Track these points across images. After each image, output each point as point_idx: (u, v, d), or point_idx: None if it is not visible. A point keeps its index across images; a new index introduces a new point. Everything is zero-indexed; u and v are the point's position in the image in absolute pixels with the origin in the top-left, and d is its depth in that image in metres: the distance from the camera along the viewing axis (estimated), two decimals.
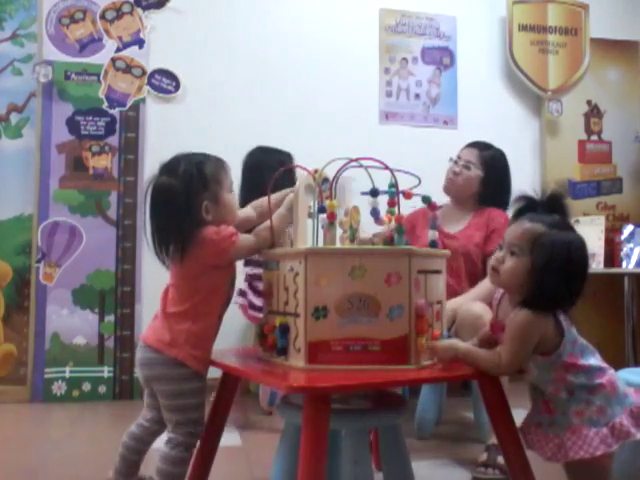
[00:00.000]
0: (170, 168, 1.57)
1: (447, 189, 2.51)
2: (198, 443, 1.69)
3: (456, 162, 2.48)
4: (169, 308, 1.59)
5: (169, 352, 1.55)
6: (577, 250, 1.32)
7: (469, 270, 2.36)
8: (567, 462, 1.34)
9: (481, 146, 2.53)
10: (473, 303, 2.09)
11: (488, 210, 2.44)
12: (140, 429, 1.66)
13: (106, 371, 3.26)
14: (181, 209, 1.52)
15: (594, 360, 1.35)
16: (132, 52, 3.44)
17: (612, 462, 1.40)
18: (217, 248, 1.54)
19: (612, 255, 3.70)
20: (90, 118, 3.37)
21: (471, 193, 2.48)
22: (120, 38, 3.44)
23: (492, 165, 2.47)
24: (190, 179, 1.54)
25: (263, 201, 1.72)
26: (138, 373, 1.64)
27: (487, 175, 2.46)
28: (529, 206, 1.41)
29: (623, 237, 3.70)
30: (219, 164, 1.62)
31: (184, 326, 1.55)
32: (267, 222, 1.62)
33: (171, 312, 1.58)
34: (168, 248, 1.56)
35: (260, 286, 1.63)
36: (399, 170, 1.50)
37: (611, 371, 1.36)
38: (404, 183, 1.56)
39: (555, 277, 1.29)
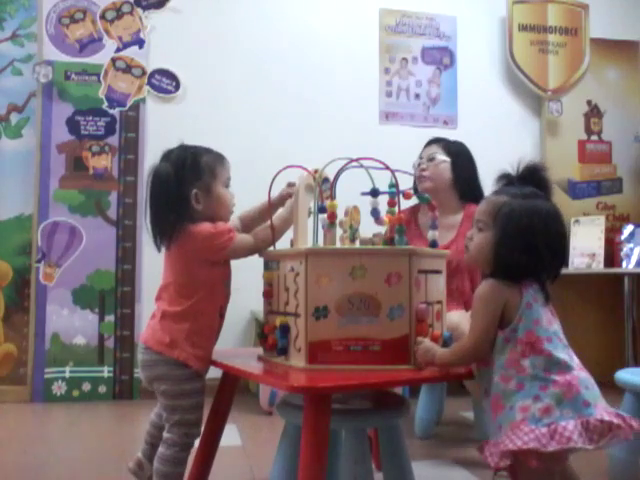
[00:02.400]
0: (166, 155, 1.60)
1: (422, 189, 2.34)
2: (198, 443, 1.69)
3: (420, 164, 2.39)
4: (167, 307, 1.58)
5: (170, 353, 1.55)
6: (541, 217, 1.27)
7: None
8: (512, 466, 1.21)
9: (438, 140, 2.46)
10: (450, 313, 2.05)
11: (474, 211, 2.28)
12: (158, 418, 1.68)
13: (106, 371, 3.26)
14: (171, 193, 1.54)
15: (563, 354, 1.23)
16: (132, 52, 3.44)
17: (566, 465, 1.27)
18: (214, 243, 1.54)
19: (612, 255, 3.70)
20: (90, 118, 3.37)
21: (447, 184, 2.35)
22: (120, 38, 3.44)
23: (456, 151, 2.39)
24: (182, 165, 1.56)
25: (250, 211, 1.72)
26: (140, 374, 1.64)
27: (455, 160, 2.36)
28: (507, 183, 1.38)
29: (623, 237, 3.70)
30: (217, 157, 1.63)
31: (183, 326, 1.55)
32: (267, 222, 1.62)
33: (170, 312, 1.57)
34: (161, 233, 1.57)
35: None
36: (399, 170, 1.50)
37: (577, 373, 1.22)
38: (404, 183, 1.56)
39: (514, 244, 1.26)
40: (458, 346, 1.34)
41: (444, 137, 2.53)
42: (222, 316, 1.64)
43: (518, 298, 1.26)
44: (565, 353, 1.24)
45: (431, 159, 2.36)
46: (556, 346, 1.24)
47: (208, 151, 1.63)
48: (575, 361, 1.25)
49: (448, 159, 2.36)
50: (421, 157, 2.41)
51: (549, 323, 1.26)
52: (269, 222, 1.62)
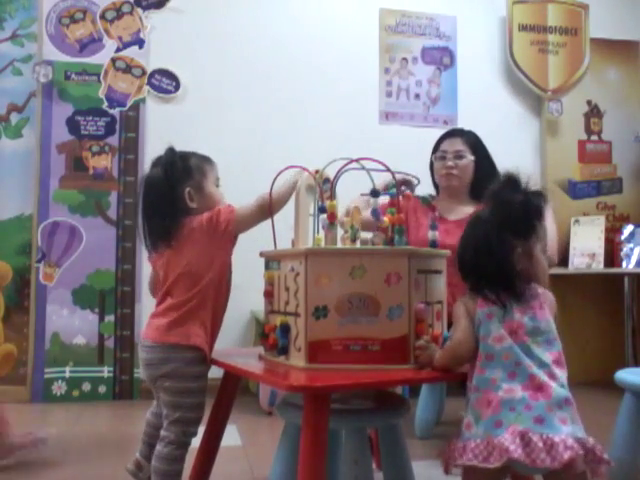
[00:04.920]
0: (156, 160, 1.65)
1: (448, 185, 2.38)
2: (198, 443, 1.69)
3: (443, 157, 2.38)
4: (177, 299, 1.58)
5: (187, 341, 1.56)
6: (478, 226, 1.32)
7: None
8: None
9: (459, 132, 2.47)
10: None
11: None
12: (154, 417, 1.69)
13: (106, 371, 3.26)
14: (165, 194, 1.59)
15: (499, 374, 1.20)
16: (132, 52, 3.44)
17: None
18: (219, 220, 1.58)
19: (612, 255, 3.70)
20: (90, 118, 3.37)
21: (469, 182, 2.37)
22: (120, 38, 3.44)
23: (476, 145, 2.40)
24: (172, 167, 1.61)
25: None
26: (143, 373, 1.64)
27: (477, 157, 2.37)
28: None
29: (623, 237, 3.70)
30: (204, 159, 1.69)
31: (192, 309, 1.57)
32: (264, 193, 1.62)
33: (178, 302, 1.58)
34: (160, 233, 1.59)
35: None
36: (399, 172, 1.50)
37: (502, 394, 1.18)
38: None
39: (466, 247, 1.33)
40: (446, 349, 1.35)
41: (458, 128, 2.55)
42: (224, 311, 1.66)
43: (476, 307, 1.28)
44: (505, 373, 1.20)
45: (459, 157, 2.36)
46: (495, 364, 1.22)
47: (195, 154, 1.69)
48: (520, 380, 1.19)
49: (473, 157, 2.38)
50: (445, 151, 2.39)
51: (498, 340, 1.23)
52: (268, 190, 1.61)
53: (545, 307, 1.28)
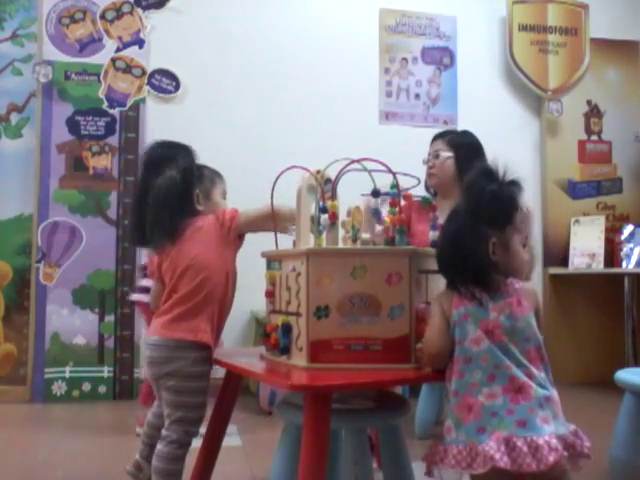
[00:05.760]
0: (171, 165, 1.70)
1: (430, 185, 2.45)
2: (200, 442, 1.69)
3: (428, 160, 2.44)
4: (182, 292, 1.59)
5: (194, 337, 1.56)
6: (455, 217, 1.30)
7: None
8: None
9: (443, 133, 2.51)
10: None
11: None
12: (155, 418, 1.70)
13: (106, 371, 3.26)
14: (178, 191, 1.64)
15: (479, 377, 1.19)
16: (132, 52, 3.44)
17: None
18: (225, 218, 1.64)
19: (612, 255, 3.70)
20: (90, 118, 3.37)
21: (452, 178, 2.37)
22: (120, 38, 3.44)
23: (459, 143, 2.42)
24: (189, 172, 1.68)
25: None
26: (146, 370, 1.64)
27: (458, 153, 2.38)
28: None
29: (623, 237, 3.70)
30: (216, 172, 1.81)
31: (198, 303, 1.58)
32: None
33: (183, 296, 1.59)
34: (163, 231, 1.62)
35: None
36: (398, 172, 1.50)
37: (483, 399, 1.17)
38: (403, 183, 1.56)
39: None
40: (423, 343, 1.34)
41: (450, 129, 2.60)
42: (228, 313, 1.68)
43: (451, 305, 1.27)
44: (484, 376, 1.19)
45: (436, 156, 2.41)
46: (474, 367, 1.20)
47: (209, 167, 1.80)
48: (500, 382, 1.18)
49: (451, 154, 2.39)
50: (429, 153, 2.46)
51: (475, 343, 1.21)
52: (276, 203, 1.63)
53: (524, 302, 1.24)
